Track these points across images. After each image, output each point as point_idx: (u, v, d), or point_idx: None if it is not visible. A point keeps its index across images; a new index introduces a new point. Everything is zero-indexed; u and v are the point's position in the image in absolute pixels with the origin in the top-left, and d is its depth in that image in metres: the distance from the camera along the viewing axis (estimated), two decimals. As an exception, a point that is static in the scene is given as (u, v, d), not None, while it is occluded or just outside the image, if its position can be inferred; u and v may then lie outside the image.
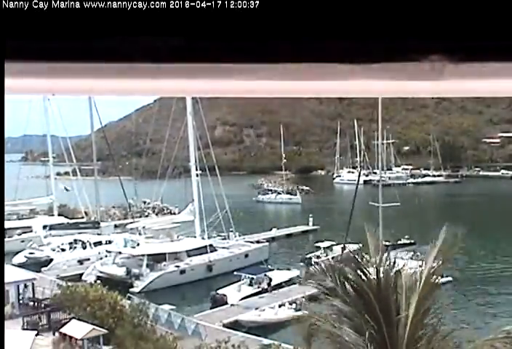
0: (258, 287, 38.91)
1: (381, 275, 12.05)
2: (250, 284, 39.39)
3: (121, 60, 1.01)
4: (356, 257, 12.76)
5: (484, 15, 0.96)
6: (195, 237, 49.84)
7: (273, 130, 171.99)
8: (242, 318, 33.38)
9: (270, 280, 39.63)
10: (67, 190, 65.12)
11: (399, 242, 48.27)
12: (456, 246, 13.50)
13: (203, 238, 49.57)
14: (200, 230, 50.36)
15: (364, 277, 12.04)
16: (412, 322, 11.69)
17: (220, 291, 37.86)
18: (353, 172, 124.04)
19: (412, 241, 49.32)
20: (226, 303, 36.35)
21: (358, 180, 48.51)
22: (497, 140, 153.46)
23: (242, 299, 37.13)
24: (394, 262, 13.01)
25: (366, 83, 1.06)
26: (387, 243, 40.42)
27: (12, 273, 31.66)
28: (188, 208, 51.58)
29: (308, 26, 0.98)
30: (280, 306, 35.10)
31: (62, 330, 26.55)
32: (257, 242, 53.01)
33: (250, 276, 39.90)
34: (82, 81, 1.08)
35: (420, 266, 13.13)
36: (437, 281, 12.82)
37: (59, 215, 61.39)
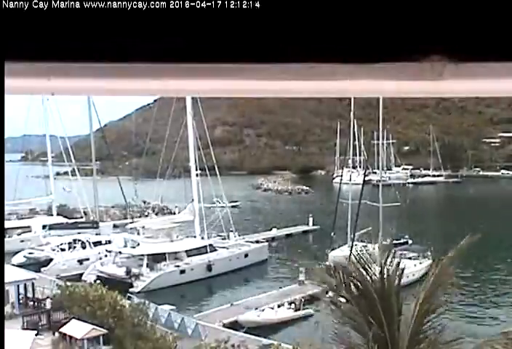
0: None
1: (385, 274, 12.02)
2: None
3: (121, 60, 1.00)
4: (361, 256, 12.72)
5: (484, 15, 0.96)
6: (194, 237, 49.85)
7: (273, 130, 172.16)
8: (242, 318, 33.37)
9: None
10: (64, 189, 65.06)
11: (394, 242, 48.29)
12: (466, 251, 13.44)
13: (202, 238, 49.58)
14: (200, 229, 50.37)
15: (367, 277, 12.01)
16: (414, 322, 11.66)
17: None
18: (353, 172, 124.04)
19: (405, 241, 49.38)
20: None
21: (364, 180, 48.46)
22: (497, 140, 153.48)
23: None
24: (398, 262, 12.98)
25: (366, 83, 1.06)
26: (385, 243, 40.56)
27: (11, 273, 31.66)
28: (188, 208, 51.57)
29: (308, 26, 0.98)
30: (280, 306, 35.11)
31: (62, 330, 26.57)
32: (257, 242, 53.06)
33: None
34: (82, 81, 1.08)
35: (415, 265, 13.20)
36: (443, 282, 12.79)
37: (58, 215, 61.40)
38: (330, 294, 13.51)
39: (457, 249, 12.91)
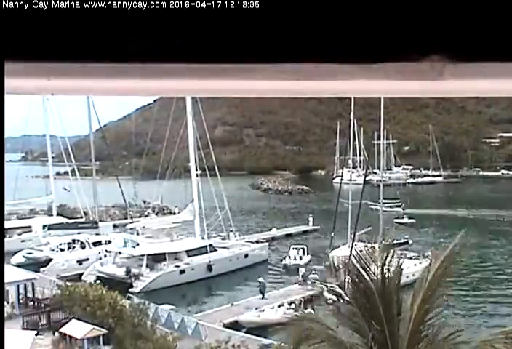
0: None
1: (385, 274, 12.00)
2: None
3: (121, 60, 1.00)
4: (361, 256, 12.69)
5: (484, 15, 0.96)
6: (195, 237, 49.84)
7: (273, 130, 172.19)
8: (242, 318, 33.34)
9: None
10: (65, 189, 65.07)
11: (394, 241, 48.21)
12: (463, 250, 13.45)
13: (203, 238, 49.57)
14: (200, 230, 50.36)
15: (367, 277, 12.00)
16: (414, 322, 11.66)
17: None
18: (353, 172, 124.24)
19: (405, 241, 49.39)
20: None
21: (365, 180, 48.49)
22: (497, 140, 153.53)
23: None
24: (398, 262, 12.95)
25: (366, 83, 1.06)
26: (385, 243, 40.49)
27: (11, 273, 31.66)
28: (188, 208, 51.55)
29: (308, 26, 0.98)
30: (280, 306, 35.08)
31: (62, 330, 26.55)
32: (257, 242, 53.06)
33: None
34: (82, 81, 1.08)
35: (415, 265, 13.17)
36: (441, 282, 12.78)
37: (58, 215, 61.40)
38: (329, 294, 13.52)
39: (452, 247, 12.91)
